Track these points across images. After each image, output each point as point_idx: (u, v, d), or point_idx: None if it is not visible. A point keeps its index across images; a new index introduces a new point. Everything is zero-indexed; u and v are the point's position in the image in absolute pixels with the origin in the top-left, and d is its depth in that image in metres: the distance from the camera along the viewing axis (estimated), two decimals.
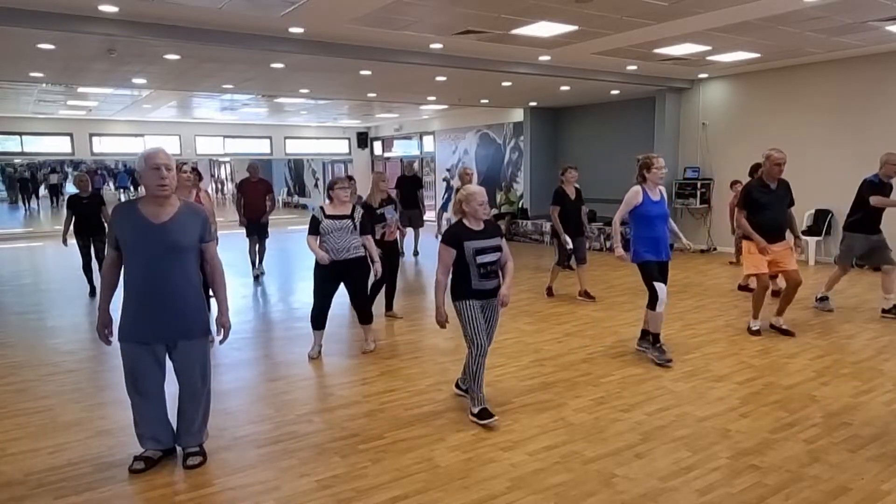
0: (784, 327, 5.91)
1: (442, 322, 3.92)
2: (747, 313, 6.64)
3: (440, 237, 3.85)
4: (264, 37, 7.37)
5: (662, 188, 5.22)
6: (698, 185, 11.27)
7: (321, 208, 5.18)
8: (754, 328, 5.92)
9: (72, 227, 7.84)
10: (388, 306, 6.79)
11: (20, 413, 4.18)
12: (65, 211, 7.99)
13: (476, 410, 3.93)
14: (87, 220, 7.75)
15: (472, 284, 3.87)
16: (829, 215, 9.71)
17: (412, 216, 10.92)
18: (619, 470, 3.29)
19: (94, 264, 7.69)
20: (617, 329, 6.15)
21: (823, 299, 6.81)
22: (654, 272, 5.05)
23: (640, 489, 3.09)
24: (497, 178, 16.03)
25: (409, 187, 11.22)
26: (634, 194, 5.09)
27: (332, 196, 5.18)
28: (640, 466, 3.33)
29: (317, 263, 5.18)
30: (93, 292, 7.93)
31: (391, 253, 6.60)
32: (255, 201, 9.09)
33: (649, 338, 5.21)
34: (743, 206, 5.72)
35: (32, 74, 9.68)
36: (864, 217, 6.36)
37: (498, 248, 3.93)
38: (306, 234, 5.21)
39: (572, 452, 3.50)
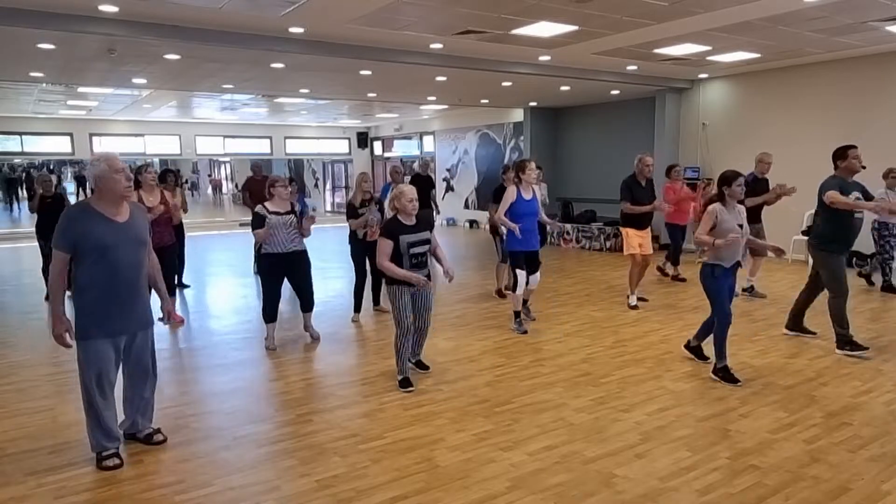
0: (636, 301, 7.22)
1: (421, 281, 4.39)
2: (747, 314, 6.67)
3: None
4: (264, 37, 7.38)
5: (536, 188, 6.08)
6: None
7: (264, 206, 5.51)
8: (632, 304, 7.04)
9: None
10: (375, 301, 6.99)
11: (20, 413, 4.18)
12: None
13: (400, 377, 4.60)
14: (50, 220, 7.67)
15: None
16: None
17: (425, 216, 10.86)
18: (619, 470, 3.29)
19: None
20: (617, 329, 6.15)
21: (750, 289, 7.56)
22: (520, 261, 5.95)
23: (640, 489, 3.09)
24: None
25: (422, 187, 11.19)
26: (511, 193, 5.93)
27: (273, 193, 5.56)
28: (640, 466, 3.33)
29: (265, 260, 5.55)
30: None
31: (374, 250, 6.60)
32: (263, 198, 9.23)
33: (523, 310, 6.24)
34: (627, 197, 6.93)
35: (32, 74, 9.68)
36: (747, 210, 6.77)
37: (428, 241, 4.56)
38: (251, 231, 5.54)
39: (572, 452, 3.50)
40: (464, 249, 12.73)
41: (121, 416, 3.60)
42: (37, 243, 7.94)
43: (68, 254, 3.23)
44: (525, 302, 6.30)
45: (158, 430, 3.70)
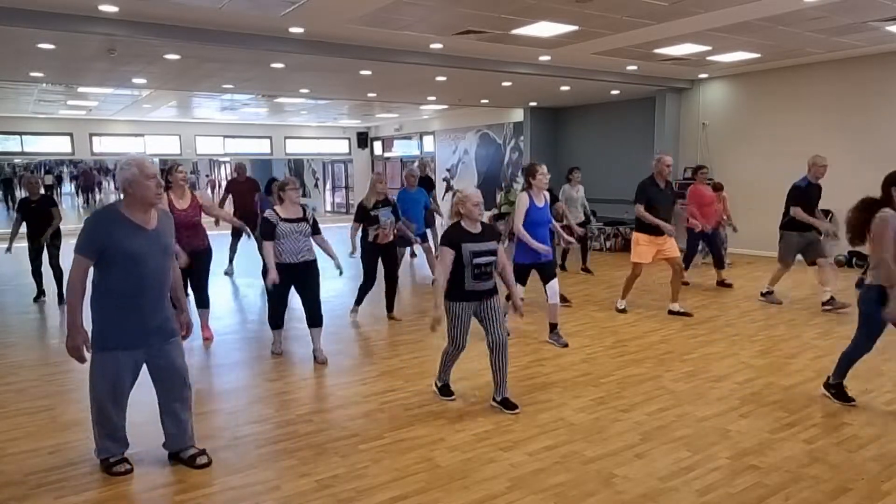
0: (682, 310, 6.58)
1: (434, 326, 3.97)
2: (748, 313, 6.67)
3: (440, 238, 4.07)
4: (264, 37, 7.38)
5: (546, 194, 5.54)
6: None
7: (275, 212, 5.02)
8: (620, 307, 6.76)
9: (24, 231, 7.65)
10: (389, 308, 6.73)
11: (20, 413, 4.18)
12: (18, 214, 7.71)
13: (440, 384, 4.38)
14: (36, 223, 7.55)
15: (465, 286, 3.98)
16: (830, 215, 9.68)
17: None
18: (619, 470, 3.29)
19: (45, 269, 7.62)
20: (617, 329, 6.15)
21: (769, 293, 7.22)
22: (524, 275, 5.53)
23: (640, 489, 3.09)
24: (497, 178, 16.03)
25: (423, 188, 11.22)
26: (524, 200, 5.42)
27: (283, 198, 5.06)
28: (640, 466, 3.33)
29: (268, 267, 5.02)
30: (38, 297, 7.70)
31: (389, 255, 6.51)
32: (244, 200, 9.40)
33: (552, 336, 5.64)
34: (641, 200, 6.31)
35: (32, 74, 9.68)
36: (794, 217, 6.71)
37: (494, 252, 4.04)
38: (262, 242, 5.03)
39: (572, 452, 3.50)
40: None
41: (160, 434, 3.43)
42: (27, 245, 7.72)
43: (92, 260, 3.03)
44: (554, 326, 5.64)
45: (203, 452, 3.42)
